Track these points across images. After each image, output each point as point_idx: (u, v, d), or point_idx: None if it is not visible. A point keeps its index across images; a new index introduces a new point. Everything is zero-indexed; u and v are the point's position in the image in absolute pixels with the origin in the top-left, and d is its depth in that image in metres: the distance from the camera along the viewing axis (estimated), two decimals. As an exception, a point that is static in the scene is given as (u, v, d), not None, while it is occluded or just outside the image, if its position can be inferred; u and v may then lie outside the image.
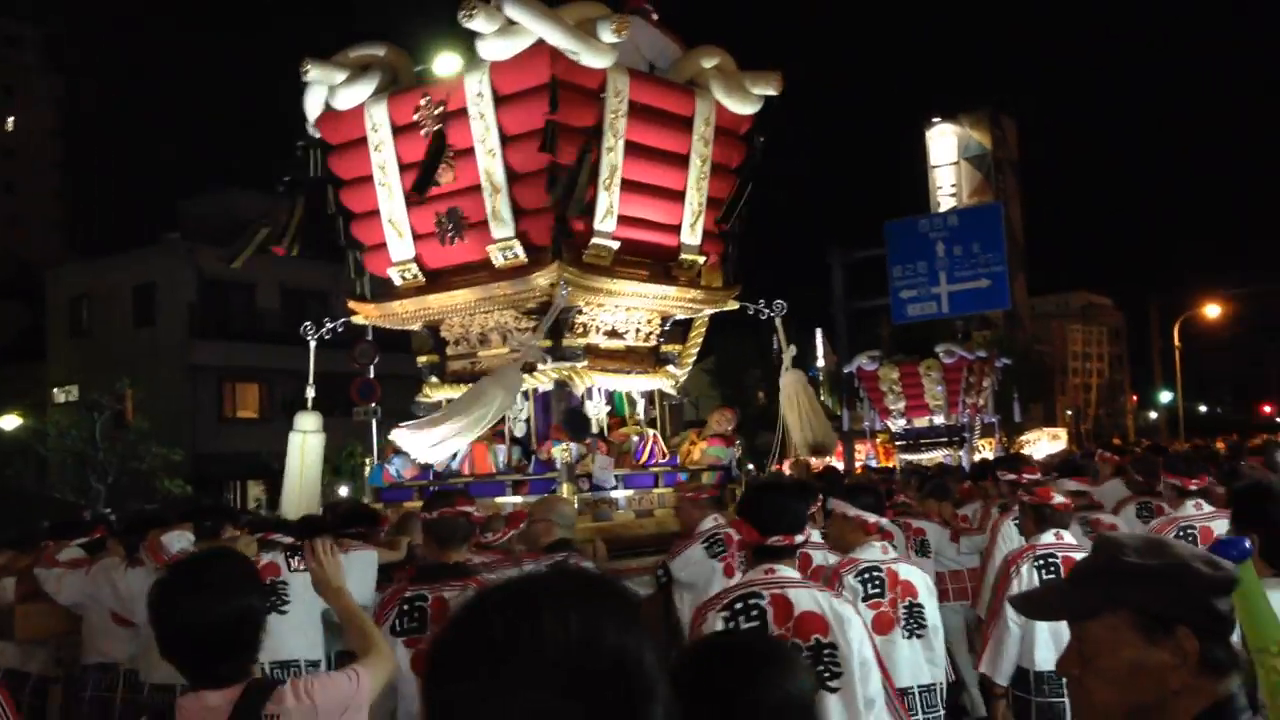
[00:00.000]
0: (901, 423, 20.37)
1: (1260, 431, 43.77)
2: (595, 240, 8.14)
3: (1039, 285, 62.57)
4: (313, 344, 9.45)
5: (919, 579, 5.04)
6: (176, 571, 2.93)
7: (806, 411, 9.51)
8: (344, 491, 25.16)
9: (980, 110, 63.86)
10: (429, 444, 7.45)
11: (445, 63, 9.27)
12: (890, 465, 19.78)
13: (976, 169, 63.04)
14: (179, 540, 6.02)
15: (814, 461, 10.75)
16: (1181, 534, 5.92)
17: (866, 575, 4.93)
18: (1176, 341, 43.84)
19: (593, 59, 7.75)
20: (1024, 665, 5.15)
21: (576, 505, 7.68)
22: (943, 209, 50.96)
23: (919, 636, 4.88)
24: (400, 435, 7.75)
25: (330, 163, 8.95)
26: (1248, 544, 2.65)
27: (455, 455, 8.77)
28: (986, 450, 20.37)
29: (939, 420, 20.02)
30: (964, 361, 19.67)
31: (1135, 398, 65.60)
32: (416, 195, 8.09)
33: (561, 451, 7.77)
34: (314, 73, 8.62)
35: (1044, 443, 27.21)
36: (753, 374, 38.44)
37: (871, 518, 5.16)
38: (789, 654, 2.37)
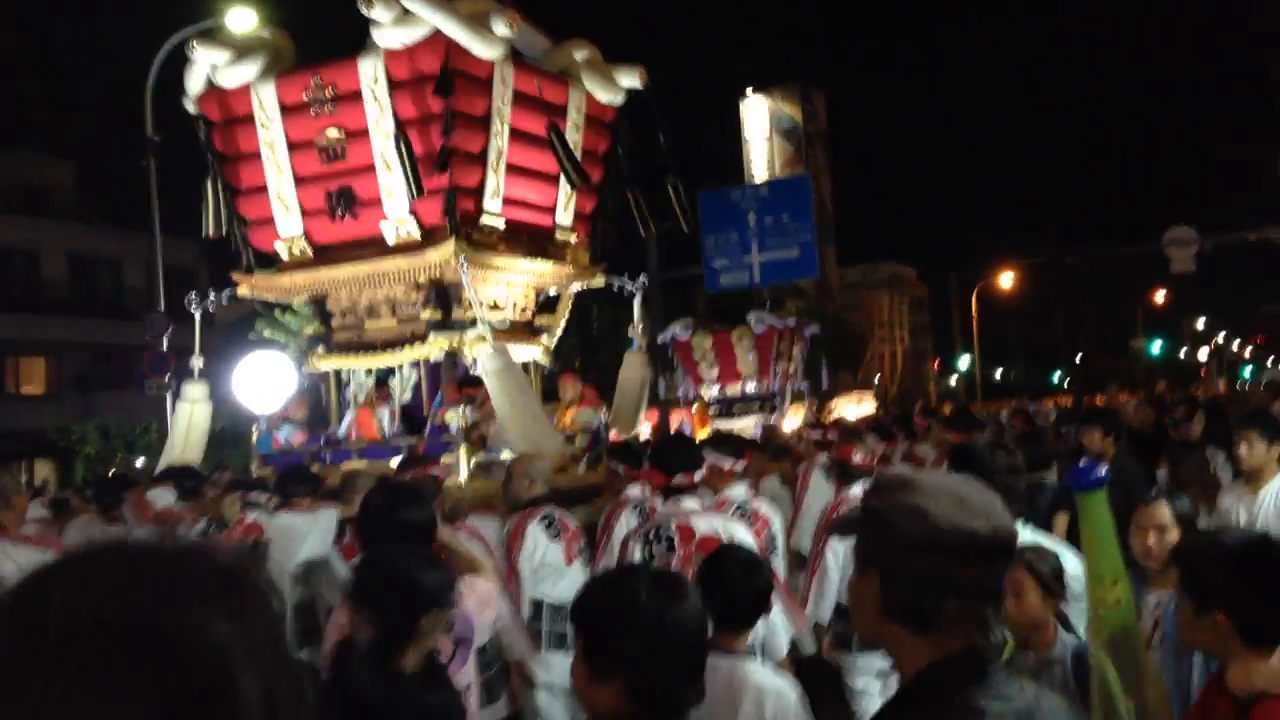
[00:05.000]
0: (715, 390, 20.44)
1: (1050, 395, 46.90)
2: (484, 219, 8.67)
3: (848, 256, 64.84)
4: (197, 315, 9.61)
5: (774, 514, 6.12)
6: (386, 489, 4.25)
7: (630, 399, 10.17)
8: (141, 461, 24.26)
9: (791, 84, 65.42)
10: (536, 438, 7.87)
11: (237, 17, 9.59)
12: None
13: (788, 142, 64.36)
14: (162, 497, 6.41)
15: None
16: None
17: (740, 513, 5.80)
18: (974, 310, 46.53)
19: (485, 50, 8.25)
20: (842, 601, 5.80)
21: (473, 466, 8.26)
22: (757, 181, 52.37)
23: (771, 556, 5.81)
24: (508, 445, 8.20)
25: (214, 138, 9.18)
26: (1103, 471, 2.75)
27: (342, 422, 9.22)
28: (797, 416, 21.21)
29: (751, 387, 20.24)
30: (774, 330, 20.09)
31: (937, 364, 68.83)
32: (417, 196, 8.44)
33: (457, 416, 8.29)
34: (199, 52, 8.88)
35: (851, 407, 28.34)
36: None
37: (729, 463, 6.16)
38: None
